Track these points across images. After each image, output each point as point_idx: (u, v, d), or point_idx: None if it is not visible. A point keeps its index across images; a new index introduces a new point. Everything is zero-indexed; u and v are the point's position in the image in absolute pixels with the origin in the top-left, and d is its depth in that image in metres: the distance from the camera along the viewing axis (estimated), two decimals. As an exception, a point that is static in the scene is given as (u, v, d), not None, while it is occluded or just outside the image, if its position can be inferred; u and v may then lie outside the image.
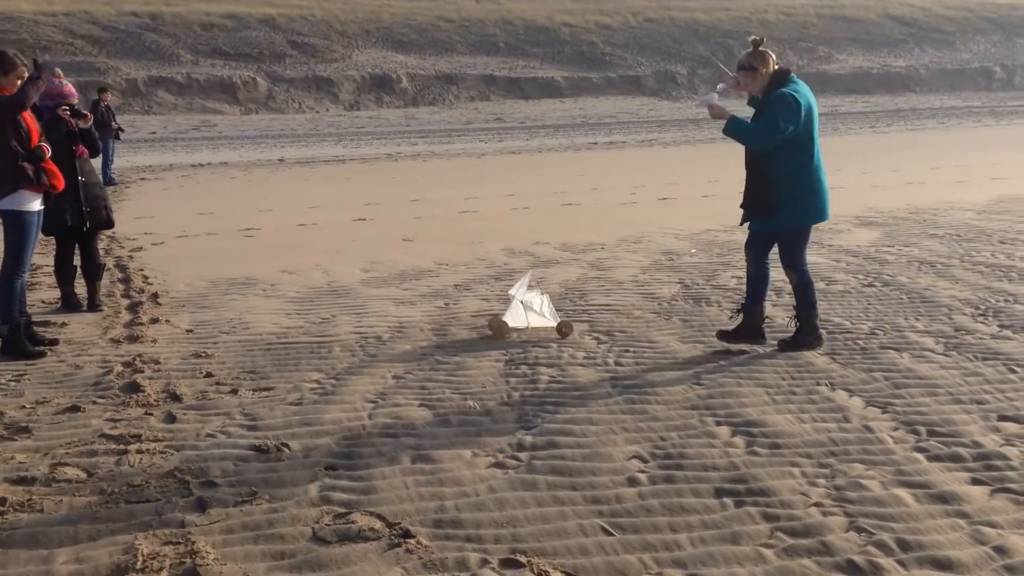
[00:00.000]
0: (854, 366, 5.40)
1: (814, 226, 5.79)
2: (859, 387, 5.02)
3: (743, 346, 5.73)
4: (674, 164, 19.80)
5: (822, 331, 5.77)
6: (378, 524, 3.52)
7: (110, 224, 7.57)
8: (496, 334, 6.14)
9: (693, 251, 9.43)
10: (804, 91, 5.46)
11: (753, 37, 5.61)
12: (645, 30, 53.99)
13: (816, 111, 5.51)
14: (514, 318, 6.12)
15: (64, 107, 6.98)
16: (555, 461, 4.10)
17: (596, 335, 6.25)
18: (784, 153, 5.39)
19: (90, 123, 7.23)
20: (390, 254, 9.56)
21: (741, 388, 5.04)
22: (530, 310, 6.17)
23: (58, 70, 7.19)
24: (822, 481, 3.84)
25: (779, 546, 3.32)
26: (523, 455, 4.18)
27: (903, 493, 3.70)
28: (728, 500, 3.69)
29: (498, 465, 4.08)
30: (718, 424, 4.52)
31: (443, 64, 47.21)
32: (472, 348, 6.00)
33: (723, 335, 5.84)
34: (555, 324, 6.17)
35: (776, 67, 5.55)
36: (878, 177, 16.19)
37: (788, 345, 5.65)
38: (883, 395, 4.89)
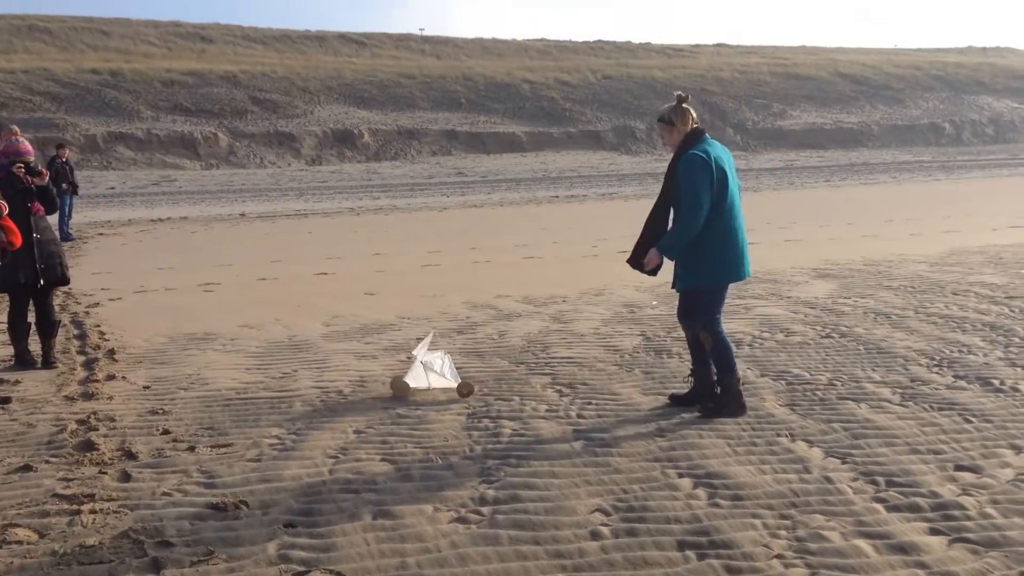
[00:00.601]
0: (813, 417, 5.45)
1: (750, 281, 5.82)
2: (819, 438, 5.06)
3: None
4: (634, 217, 19.98)
5: (743, 397, 5.53)
6: (338, 582, 3.46)
7: (65, 281, 7.48)
8: (397, 394, 6.08)
9: (654, 303, 9.50)
10: (716, 151, 5.38)
11: (678, 92, 5.60)
12: (604, 87, 54.96)
13: (730, 169, 5.43)
14: (415, 379, 6.09)
15: (19, 164, 6.93)
16: (518, 515, 4.07)
17: (558, 388, 6.25)
18: None
19: (46, 180, 7.19)
20: (352, 308, 9.52)
21: (703, 440, 5.06)
22: (431, 371, 6.16)
23: (15, 127, 7.16)
24: (783, 532, 3.85)
25: (742, 598, 3.31)
26: (485, 509, 4.15)
27: (863, 544, 3.72)
28: (691, 553, 3.68)
29: (460, 520, 4.04)
30: (680, 476, 4.52)
31: (405, 119, 47.59)
32: (434, 402, 5.97)
33: (676, 399, 5.74)
34: (455, 385, 6.11)
35: (694, 126, 5.47)
36: (834, 230, 16.49)
37: (708, 411, 5.46)
38: (842, 446, 4.93)
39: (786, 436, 5.10)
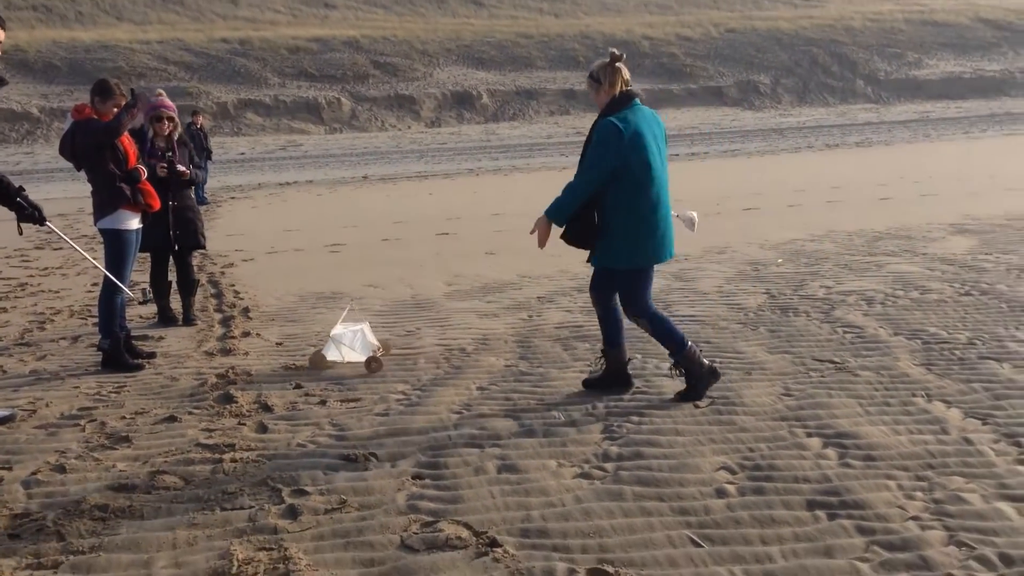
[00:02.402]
0: (951, 377, 5.22)
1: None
2: (957, 398, 4.86)
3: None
4: (758, 174, 19.50)
5: (716, 365, 5.19)
6: (465, 533, 3.54)
7: (199, 245, 7.76)
8: (314, 367, 6.03)
9: (779, 261, 9.26)
10: (638, 120, 4.94)
11: (612, 50, 5.09)
12: (727, 40, 53.41)
13: (655, 141, 5.00)
14: (330, 353, 6.08)
15: (162, 165, 7.17)
16: (641, 472, 4.06)
17: (681, 346, 6.18)
18: (611, 186, 4.93)
19: (187, 176, 7.39)
20: (473, 267, 9.63)
21: (832, 399, 4.92)
22: (341, 344, 6.13)
23: (160, 89, 7.48)
24: (919, 494, 3.72)
25: (875, 560, 3.22)
26: (609, 465, 4.15)
27: (1005, 507, 3.57)
28: (821, 513, 3.60)
29: (584, 475, 4.06)
30: (809, 436, 4.42)
31: (523, 79, 47.46)
32: (556, 360, 5.99)
33: (587, 384, 5.35)
34: (363, 359, 5.99)
35: (624, 89, 5.00)
36: (973, 184, 15.67)
37: (682, 395, 5.07)
38: (983, 406, 4.72)
39: (922, 396, 4.91)
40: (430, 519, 3.67)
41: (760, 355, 5.89)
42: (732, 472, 4.02)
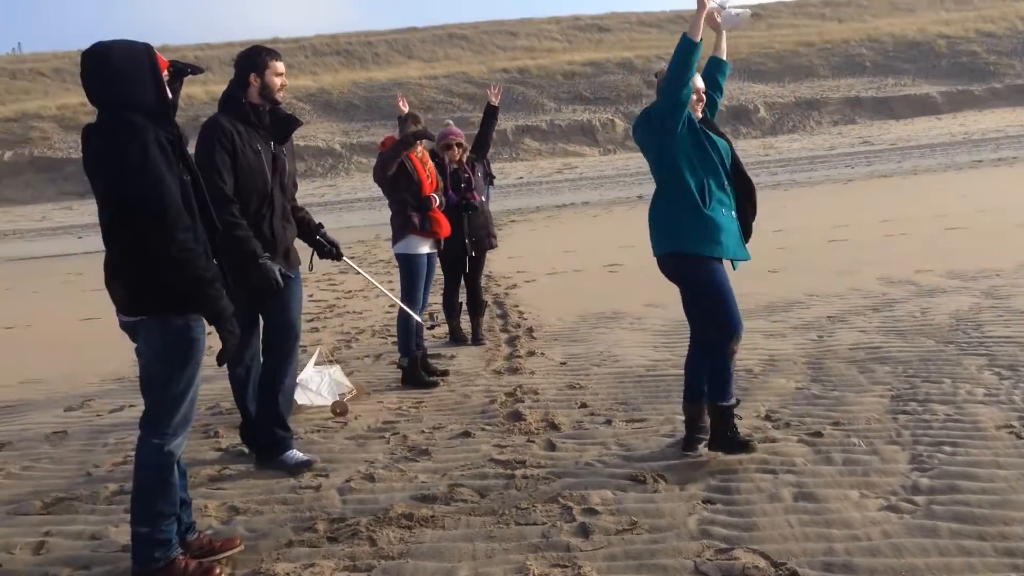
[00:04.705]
0: None
1: None
2: None
3: None
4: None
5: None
6: (762, 563, 3.39)
7: (490, 246, 8.02)
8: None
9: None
10: None
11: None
12: (1035, 33, 48.55)
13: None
14: (300, 397, 5.85)
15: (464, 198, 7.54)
16: (958, 507, 3.71)
17: (997, 370, 5.62)
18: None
19: (477, 202, 7.71)
20: (756, 286, 9.31)
21: None
22: (307, 389, 5.96)
23: (449, 121, 7.95)
24: None
25: None
26: (919, 499, 3.83)
27: None
28: None
29: (891, 508, 3.77)
30: None
31: (803, 89, 45.70)
32: (852, 383, 5.65)
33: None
34: (330, 403, 5.82)
35: None
36: None
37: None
38: None
39: None
40: (724, 546, 3.56)
41: (1096, 381, 5.22)
42: (1068, 513, 3.57)
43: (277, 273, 4.56)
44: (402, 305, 6.47)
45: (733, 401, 4.50)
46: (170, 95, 3.51)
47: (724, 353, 4.50)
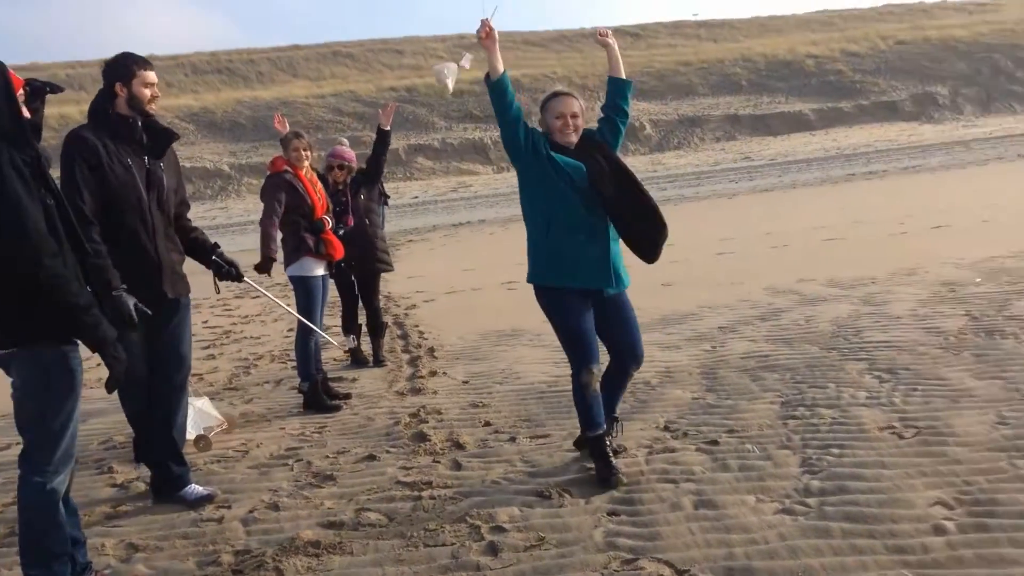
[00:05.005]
0: None
1: None
2: None
3: None
4: (943, 190, 18.49)
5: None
6: (667, 571, 3.49)
7: (380, 270, 7.90)
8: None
9: (978, 280, 8.73)
10: None
11: None
12: (897, 53, 51.30)
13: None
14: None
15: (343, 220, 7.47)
16: (848, 507, 3.89)
17: (877, 374, 5.92)
18: None
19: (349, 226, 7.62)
20: (650, 300, 9.55)
21: (1054, 428, 4.58)
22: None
23: (343, 139, 7.88)
24: None
25: (1124, 604, 2.96)
26: (812, 500, 4.01)
27: None
28: (1054, 551, 3.35)
29: (786, 511, 3.93)
30: (1031, 467, 4.12)
31: (685, 107, 47.07)
32: (744, 391, 5.85)
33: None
34: (193, 437, 5.61)
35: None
36: None
37: None
38: None
39: None
40: (630, 556, 3.65)
41: (967, 381, 5.54)
42: (949, 507, 3.80)
43: (131, 308, 4.20)
44: (306, 321, 6.38)
45: (599, 431, 4.55)
46: (27, 115, 3.34)
47: (576, 384, 4.56)
